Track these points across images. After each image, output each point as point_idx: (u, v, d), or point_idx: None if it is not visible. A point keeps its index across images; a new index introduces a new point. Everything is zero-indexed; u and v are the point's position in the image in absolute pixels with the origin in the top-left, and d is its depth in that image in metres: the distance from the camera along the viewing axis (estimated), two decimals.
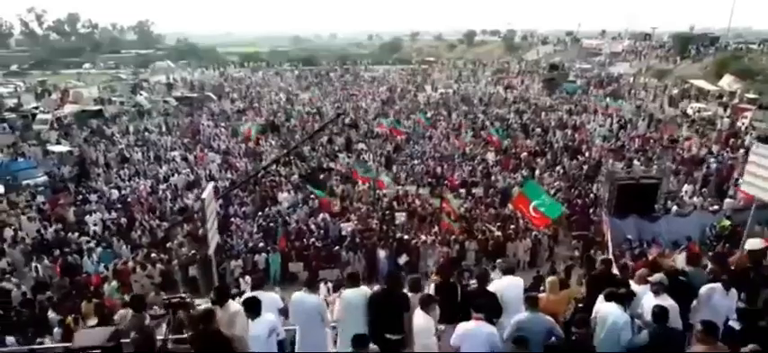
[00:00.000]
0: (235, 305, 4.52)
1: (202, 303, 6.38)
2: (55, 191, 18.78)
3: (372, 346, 3.78)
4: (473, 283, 5.33)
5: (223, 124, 32.40)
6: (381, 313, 4.61)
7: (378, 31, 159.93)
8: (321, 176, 20.18)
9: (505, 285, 5.03)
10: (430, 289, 5.12)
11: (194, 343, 3.87)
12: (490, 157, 22.94)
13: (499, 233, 13.83)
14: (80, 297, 10.02)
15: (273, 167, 20.55)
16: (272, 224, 15.29)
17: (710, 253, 9.48)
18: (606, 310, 4.46)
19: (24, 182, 19.27)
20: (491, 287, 4.96)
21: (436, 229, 14.39)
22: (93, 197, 18.18)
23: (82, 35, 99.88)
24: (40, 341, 7.73)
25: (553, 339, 4.28)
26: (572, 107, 36.15)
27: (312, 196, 17.18)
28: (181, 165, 22.71)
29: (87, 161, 22.76)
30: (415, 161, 22.99)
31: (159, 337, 4.44)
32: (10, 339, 7.99)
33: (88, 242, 13.38)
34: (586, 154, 23.29)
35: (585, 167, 21.24)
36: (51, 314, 9.13)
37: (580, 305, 4.67)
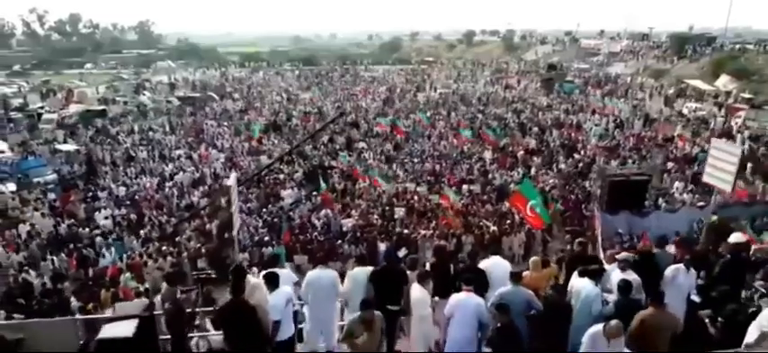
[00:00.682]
0: (253, 280, 5.10)
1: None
2: (65, 188, 19.34)
3: (377, 312, 4.35)
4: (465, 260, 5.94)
5: (226, 124, 33.02)
6: (382, 287, 5.19)
7: (378, 31, 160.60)
8: (322, 174, 20.74)
9: (493, 264, 5.66)
10: (426, 267, 5.72)
11: (224, 311, 4.45)
12: (487, 155, 23.53)
13: (495, 228, 14.39)
14: (98, 287, 10.61)
15: (276, 164, 21.12)
16: (275, 220, 15.87)
17: (696, 247, 10.10)
18: (580, 285, 5.07)
19: (35, 179, 19.87)
20: (480, 265, 5.58)
21: (434, 223, 14.96)
22: (103, 194, 18.80)
23: (83, 35, 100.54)
24: None
25: (532, 311, 4.88)
26: (569, 107, 36.75)
27: (314, 193, 17.75)
28: (185, 163, 23.28)
29: (94, 159, 23.34)
30: (415, 159, 23.55)
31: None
32: None
33: (105, 238, 13.95)
34: (582, 153, 23.87)
35: (581, 165, 21.82)
36: (73, 302, 9.70)
37: (559, 282, 5.26)
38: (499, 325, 4.50)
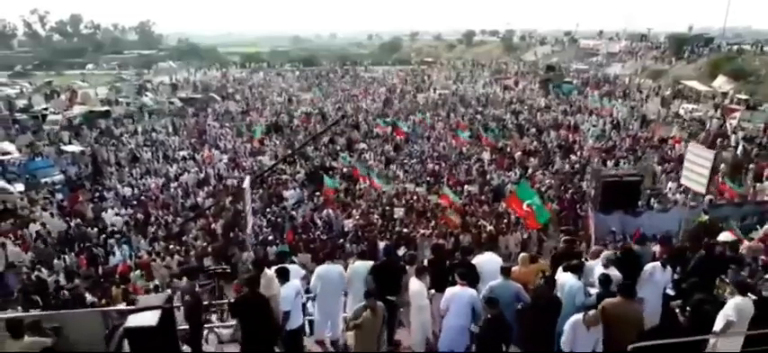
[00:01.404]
0: (270, 272, 5.58)
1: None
2: (72, 189, 19.76)
3: (379, 302, 4.79)
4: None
5: (228, 125, 33.46)
6: (382, 279, 5.67)
7: (377, 30, 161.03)
8: (324, 175, 21.17)
9: (486, 260, 6.17)
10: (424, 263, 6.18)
11: (240, 301, 4.90)
12: (486, 156, 23.95)
13: (492, 227, 14.81)
14: (110, 283, 11.06)
15: (279, 165, 21.56)
16: (279, 219, 16.30)
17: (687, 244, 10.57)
18: (564, 278, 5.55)
19: (43, 180, 20.28)
20: (474, 261, 6.05)
21: (433, 223, 15.38)
22: (109, 195, 19.24)
23: (84, 36, 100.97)
24: None
25: (521, 303, 5.34)
26: (567, 108, 37.16)
27: (316, 193, 18.21)
28: (189, 164, 23.71)
29: (100, 160, 23.77)
30: (414, 160, 23.98)
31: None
32: None
33: (119, 239, 14.40)
34: (579, 154, 24.28)
35: (577, 166, 22.24)
36: (88, 297, 10.14)
37: (546, 276, 5.71)
38: (489, 316, 4.95)
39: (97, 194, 19.17)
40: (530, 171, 21.78)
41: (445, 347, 5.31)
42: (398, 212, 16.21)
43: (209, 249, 13.79)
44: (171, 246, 13.90)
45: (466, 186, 19.52)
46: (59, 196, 18.82)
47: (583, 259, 6.08)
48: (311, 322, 6.44)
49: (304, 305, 5.95)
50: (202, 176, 21.77)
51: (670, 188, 18.78)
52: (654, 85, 42.42)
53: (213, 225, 15.75)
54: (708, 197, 17.05)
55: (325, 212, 16.63)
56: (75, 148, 25.56)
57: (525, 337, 5.20)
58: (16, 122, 30.96)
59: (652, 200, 17.44)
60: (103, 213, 16.88)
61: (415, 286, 5.57)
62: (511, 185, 19.10)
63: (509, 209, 14.98)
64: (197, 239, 14.65)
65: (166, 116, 36.77)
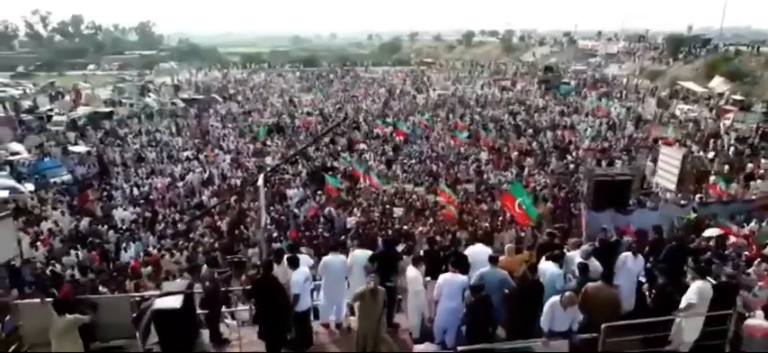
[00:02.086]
0: (283, 260, 6.21)
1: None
2: (81, 188, 20.31)
3: (380, 287, 5.40)
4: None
5: (230, 125, 34.04)
6: (381, 266, 6.27)
7: (377, 31, 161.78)
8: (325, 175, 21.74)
9: (476, 251, 6.81)
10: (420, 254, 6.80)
11: (257, 283, 5.50)
12: (484, 156, 24.52)
13: (487, 224, 15.37)
14: (123, 278, 11.63)
15: (283, 164, 22.16)
16: (282, 217, 16.86)
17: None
18: (546, 267, 6.20)
19: (51, 180, 20.85)
20: (465, 251, 6.64)
21: (431, 221, 15.94)
22: (117, 194, 19.82)
23: (85, 36, 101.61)
24: None
25: (506, 288, 5.93)
26: (564, 108, 37.71)
27: (318, 192, 18.80)
28: (194, 164, 24.27)
29: (106, 160, 24.34)
30: (413, 160, 24.55)
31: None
32: None
33: (128, 237, 14.96)
34: (574, 154, 24.83)
35: (572, 166, 22.80)
36: (102, 290, 10.69)
37: (530, 266, 6.32)
38: (474, 299, 5.54)
39: (105, 194, 19.74)
40: (526, 171, 22.33)
41: (439, 327, 5.92)
42: (398, 211, 16.77)
43: (216, 246, 14.34)
44: (180, 243, 14.43)
45: (464, 185, 20.08)
46: (67, 197, 19.36)
47: (564, 250, 6.68)
48: (316, 309, 7.03)
49: (312, 291, 6.56)
50: (207, 175, 22.33)
51: (661, 188, 19.31)
52: (651, 86, 42.86)
53: (219, 223, 16.31)
54: (697, 196, 17.68)
55: (327, 210, 17.19)
56: (81, 148, 26.12)
57: (510, 318, 5.79)
58: (22, 123, 31.52)
59: (643, 199, 17.97)
60: (114, 211, 17.44)
61: (412, 273, 6.20)
62: (506, 184, 19.65)
63: (503, 207, 15.54)
64: (204, 237, 15.19)
65: (169, 117, 37.35)
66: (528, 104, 40.51)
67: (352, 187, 19.99)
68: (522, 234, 15.17)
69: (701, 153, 23.51)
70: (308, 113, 36.71)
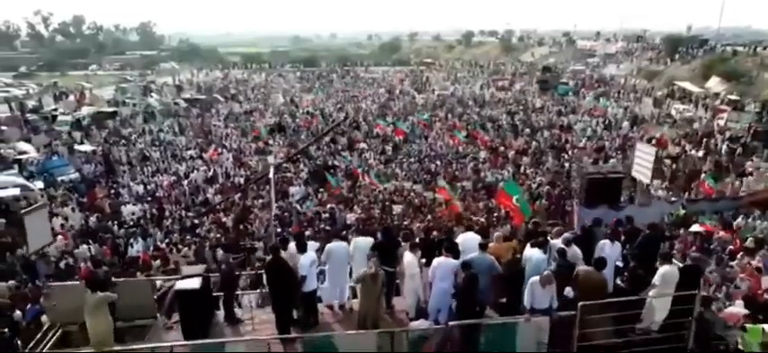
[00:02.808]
0: (292, 247, 6.87)
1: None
2: (89, 186, 20.88)
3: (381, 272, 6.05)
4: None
5: (232, 125, 34.64)
6: (381, 252, 6.86)
7: (377, 31, 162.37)
8: (327, 173, 22.33)
9: (467, 238, 7.46)
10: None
11: (268, 267, 6.09)
12: (482, 155, 25.10)
13: (483, 220, 15.95)
14: (134, 270, 12.22)
15: (286, 162, 22.78)
16: (285, 213, 17.44)
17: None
18: (530, 253, 6.83)
19: (59, 178, 21.40)
20: (457, 239, 7.24)
21: (430, 217, 16.52)
22: (123, 191, 20.42)
23: (87, 37, 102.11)
24: None
25: (494, 272, 6.54)
26: (562, 108, 38.27)
27: (320, 189, 19.40)
28: (198, 163, 24.86)
29: (112, 159, 24.92)
30: (412, 159, 25.12)
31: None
32: None
33: (136, 232, 15.54)
34: (570, 153, 25.40)
35: (567, 164, 23.37)
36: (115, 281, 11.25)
37: (517, 254, 6.96)
38: (464, 275, 6.17)
39: (113, 191, 20.33)
40: (522, 169, 22.90)
41: (433, 306, 6.53)
42: (397, 208, 17.36)
43: (222, 240, 14.91)
44: (187, 237, 15.02)
45: (461, 183, 20.66)
46: (76, 194, 19.94)
47: (548, 237, 7.28)
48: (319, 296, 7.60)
49: (318, 275, 7.16)
50: (210, 173, 22.91)
51: (654, 184, 19.88)
52: (648, 86, 43.32)
53: (224, 219, 16.89)
54: (686, 194, 18.27)
55: (328, 207, 17.77)
56: (86, 147, 26.69)
57: (497, 298, 6.39)
58: (27, 123, 32.06)
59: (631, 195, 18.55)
60: (123, 207, 18.02)
61: (408, 258, 6.82)
62: (502, 182, 20.22)
63: (499, 204, 16.11)
64: (210, 232, 15.77)
65: (171, 117, 37.93)
66: (526, 105, 41.04)
67: (353, 185, 20.56)
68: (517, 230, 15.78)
69: (693, 152, 24.09)
70: (309, 113, 37.29)
